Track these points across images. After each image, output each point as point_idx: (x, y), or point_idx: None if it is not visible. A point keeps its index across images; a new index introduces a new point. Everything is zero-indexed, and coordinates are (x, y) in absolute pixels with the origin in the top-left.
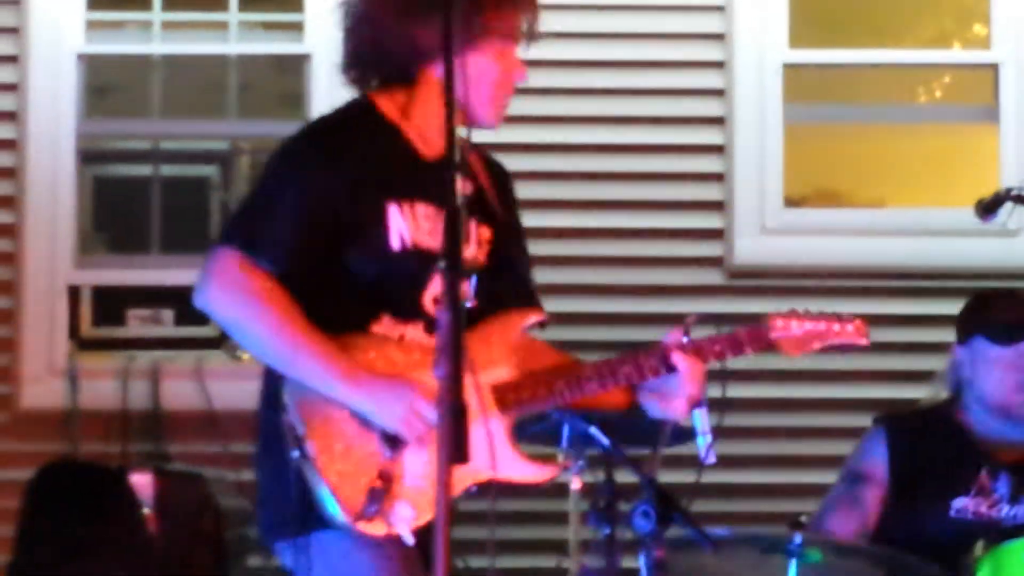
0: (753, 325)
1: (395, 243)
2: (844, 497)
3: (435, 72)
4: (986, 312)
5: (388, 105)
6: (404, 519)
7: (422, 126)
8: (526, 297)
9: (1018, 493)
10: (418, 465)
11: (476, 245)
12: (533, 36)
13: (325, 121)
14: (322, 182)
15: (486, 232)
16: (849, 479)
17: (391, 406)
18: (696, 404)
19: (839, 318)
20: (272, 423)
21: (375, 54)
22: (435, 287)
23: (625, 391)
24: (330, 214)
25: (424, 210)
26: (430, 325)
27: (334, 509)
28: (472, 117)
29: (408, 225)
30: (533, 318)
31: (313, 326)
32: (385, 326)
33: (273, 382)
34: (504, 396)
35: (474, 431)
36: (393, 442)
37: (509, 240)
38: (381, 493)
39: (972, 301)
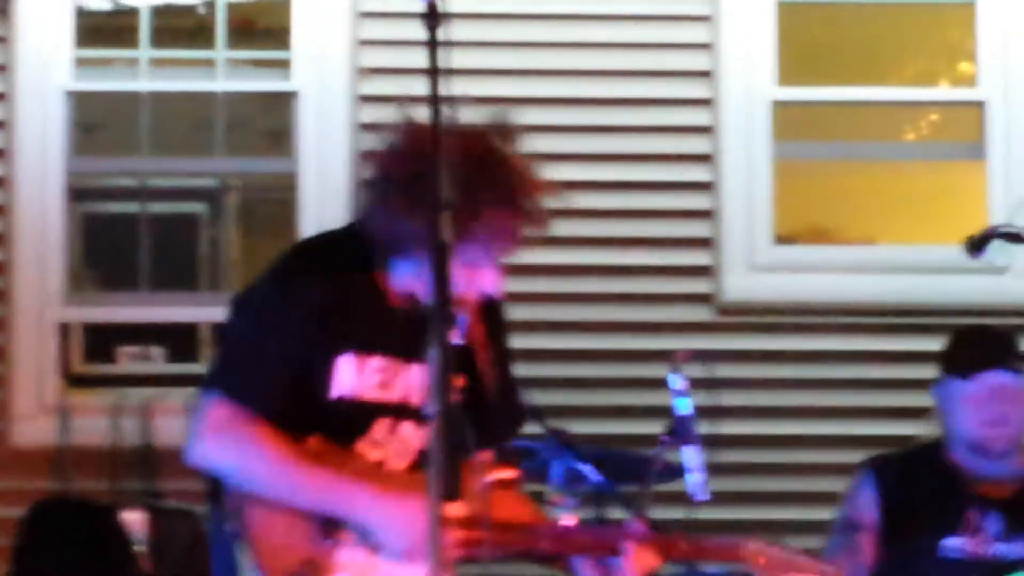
0: (727, 542)
1: (334, 393)
2: (841, 547)
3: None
4: (952, 349)
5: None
6: None
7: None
8: (511, 425)
9: (1009, 530)
10: (352, 563)
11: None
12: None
13: (298, 261)
14: (289, 330)
15: (459, 381)
16: (843, 528)
17: (403, 526)
18: None
19: (820, 567)
20: (222, 491)
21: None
22: (380, 431)
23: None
24: (297, 360)
25: (377, 363)
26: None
27: None
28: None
29: (354, 377)
30: (504, 475)
31: (306, 456)
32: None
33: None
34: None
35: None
36: (330, 535)
37: (493, 372)
38: None
39: (947, 340)
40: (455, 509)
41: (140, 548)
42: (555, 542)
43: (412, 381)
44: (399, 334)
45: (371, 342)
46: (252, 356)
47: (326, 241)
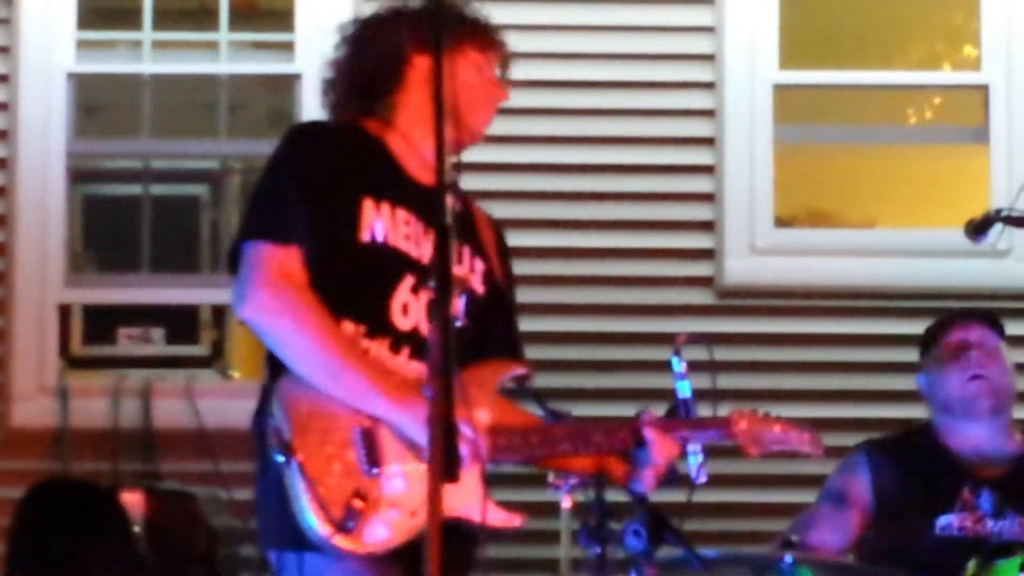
0: (720, 418)
1: (365, 236)
2: (828, 515)
3: (420, 73)
4: (928, 327)
5: (373, 126)
6: (378, 540)
7: (409, 134)
8: (512, 348)
9: (1001, 508)
10: (397, 490)
11: (468, 271)
12: (506, 69)
13: (312, 122)
14: (309, 166)
15: (480, 265)
16: (833, 498)
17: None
18: (661, 480)
19: (797, 427)
20: (261, 430)
21: (363, 63)
22: (404, 292)
23: (594, 457)
24: (322, 193)
25: (404, 215)
26: (396, 343)
27: (310, 520)
28: (457, 122)
29: (384, 223)
30: (517, 370)
31: (352, 342)
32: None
33: (265, 392)
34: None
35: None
36: (375, 461)
37: (502, 288)
38: (357, 512)
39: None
40: (482, 416)
41: (138, 529)
42: (576, 443)
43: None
44: (418, 197)
45: (395, 195)
46: (280, 196)
47: (334, 120)
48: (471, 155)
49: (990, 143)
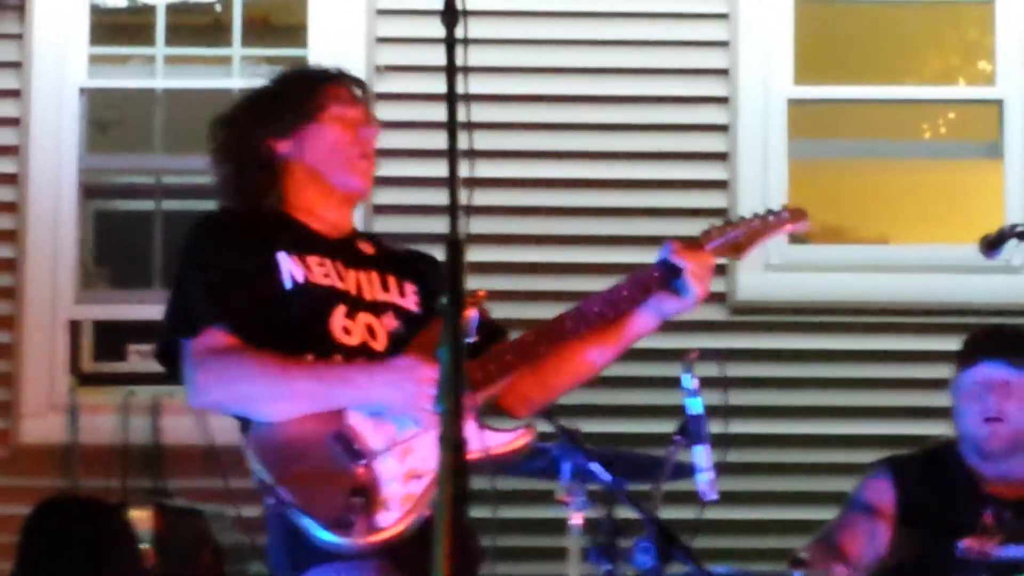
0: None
1: (287, 283)
2: (857, 521)
3: (288, 151)
4: (962, 345)
5: (274, 201)
6: (389, 523)
7: (311, 209)
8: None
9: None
10: (390, 467)
11: (383, 290)
12: (369, 100)
13: (209, 214)
14: (219, 255)
15: (410, 286)
16: (859, 508)
17: (398, 385)
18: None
19: (771, 211)
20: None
21: (240, 178)
22: (340, 318)
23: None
24: (236, 275)
25: (318, 260)
26: (348, 356)
27: (321, 532)
28: (339, 186)
29: (300, 269)
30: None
31: (288, 358)
32: None
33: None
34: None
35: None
36: (358, 455)
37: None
38: (360, 506)
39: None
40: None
41: (147, 546)
42: (605, 308)
43: (360, 279)
44: (330, 248)
45: (305, 247)
46: (194, 288)
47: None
48: (486, 170)
49: (1004, 158)
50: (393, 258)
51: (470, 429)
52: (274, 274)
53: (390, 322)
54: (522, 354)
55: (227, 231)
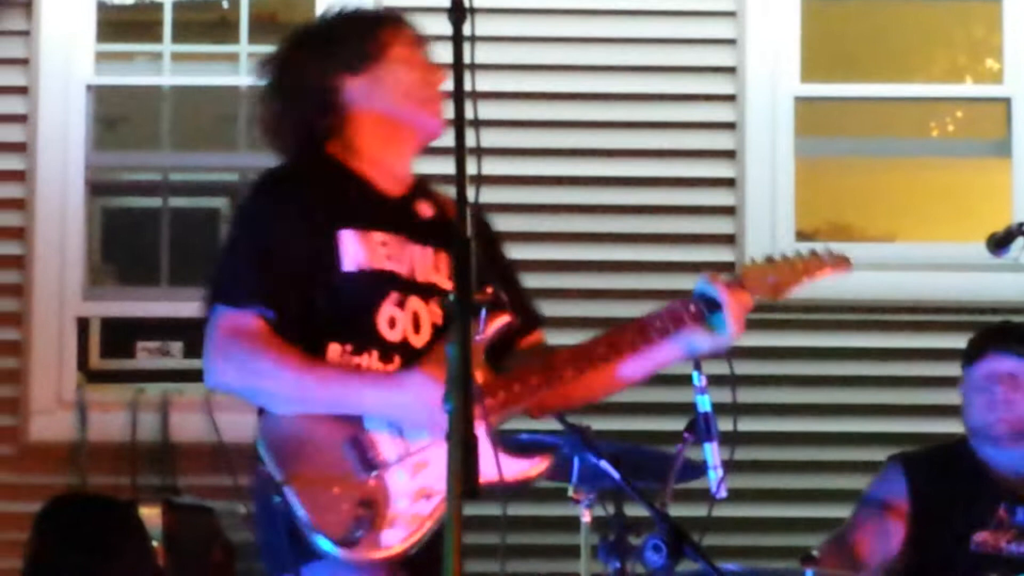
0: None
1: (348, 266)
2: (870, 520)
3: (357, 91)
4: (969, 341)
5: (336, 149)
6: (395, 541)
7: (376, 159)
8: (526, 313)
9: None
10: (402, 485)
11: (434, 270)
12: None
13: (273, 171)
14: (276, 226)
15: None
16: (873, 506)
17: (410, 409)
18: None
19: (814, 253)
20: (256, 474)
21: (302, 115)
22: (389, 307)
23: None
24: (290, 254)
25: (381, 237)
26: (385, 353)
27: (323, 543)
28: (417, 128)
29: (363, 250)
30: (501, 320)
31: (310, 359)
32: (336, 357)
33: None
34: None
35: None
36: (371, 466)
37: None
38: (367, 520)
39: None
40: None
41: (156, 543)
42: (636, 336)
43: (415, 257)
44: (393, 216)
45: (369, 219)
46: (245, 257)
47: (297, 154)
48: (494, 167)
49: (1012, 156)
50: (446, 227)
51: (486, 454)
52: (334, 255)
53: (436, 309)
54: (549, 379)
55: (291, 198)
